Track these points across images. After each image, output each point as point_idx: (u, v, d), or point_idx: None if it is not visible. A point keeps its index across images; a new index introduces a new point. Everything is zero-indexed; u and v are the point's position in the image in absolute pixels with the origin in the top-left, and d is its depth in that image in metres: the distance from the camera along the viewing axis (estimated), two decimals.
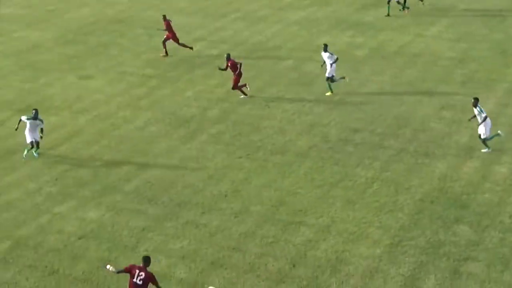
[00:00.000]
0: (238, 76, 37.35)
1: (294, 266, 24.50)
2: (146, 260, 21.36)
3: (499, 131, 32.00)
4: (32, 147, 31.83)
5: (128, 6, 53.03)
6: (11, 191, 29.54)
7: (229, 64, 37.44)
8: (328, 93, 37.80)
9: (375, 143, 32.61)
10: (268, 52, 44.35)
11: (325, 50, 37.76)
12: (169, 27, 42.91)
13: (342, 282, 23.62)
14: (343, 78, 37.92)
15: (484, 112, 31.54)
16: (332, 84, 37.70)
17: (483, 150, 31.83)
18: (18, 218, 27.58)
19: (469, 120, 32.63)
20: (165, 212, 27.82)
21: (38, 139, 31.78)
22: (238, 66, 37.21)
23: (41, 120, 31.83)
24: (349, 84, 38.18)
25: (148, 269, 21.34)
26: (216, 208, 27.97)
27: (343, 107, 36.43)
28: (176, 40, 43.07)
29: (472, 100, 31.77)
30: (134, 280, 21.08)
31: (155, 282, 21.23)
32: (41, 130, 31.94)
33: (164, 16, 43.23)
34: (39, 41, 46.33)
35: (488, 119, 31.60)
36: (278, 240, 25.93)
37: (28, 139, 31.69)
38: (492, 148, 31.65)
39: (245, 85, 37.69)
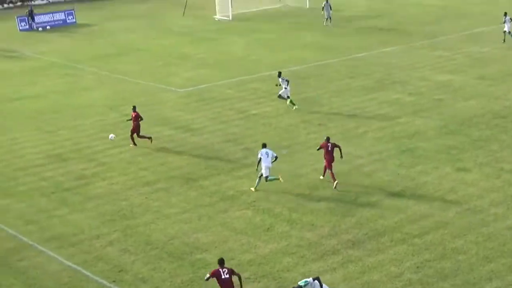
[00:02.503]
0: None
1: None
2: (222, 261, 26.79)
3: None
4: None
5: None
6: (372, 272, 30.22)
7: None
8: (296, 107, 49.47)
9: None
10: None
11: (279, 76, 49.72)
12: (135, 119, 45.04)
13: None
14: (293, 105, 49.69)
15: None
16: (280, 100, 49.51)
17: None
18: None
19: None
20: None
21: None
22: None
23: None
24: None
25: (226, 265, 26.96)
26: None
27: None
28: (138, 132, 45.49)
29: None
30: (222, 277, 26.36)
31: (236, 273, 26.75)
32: None
33: (134, 108, 45.70)
34: (421, 128, 47.12)
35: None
36: None
37: None
38: None
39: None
